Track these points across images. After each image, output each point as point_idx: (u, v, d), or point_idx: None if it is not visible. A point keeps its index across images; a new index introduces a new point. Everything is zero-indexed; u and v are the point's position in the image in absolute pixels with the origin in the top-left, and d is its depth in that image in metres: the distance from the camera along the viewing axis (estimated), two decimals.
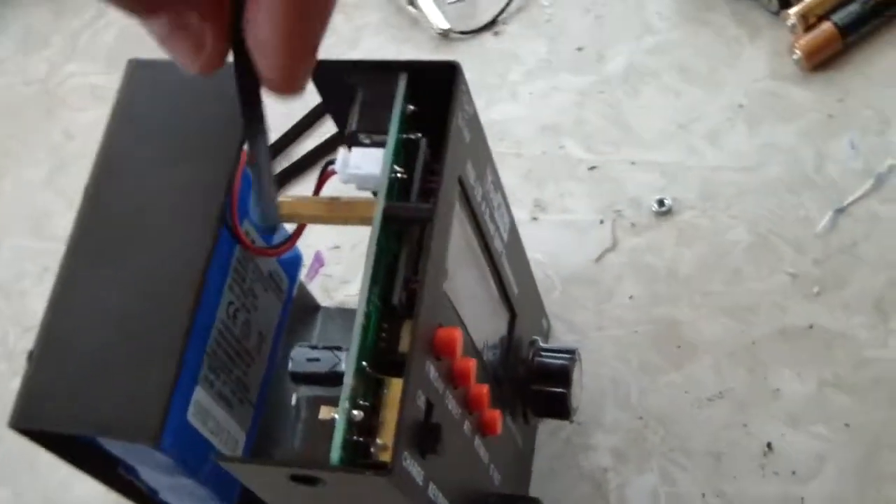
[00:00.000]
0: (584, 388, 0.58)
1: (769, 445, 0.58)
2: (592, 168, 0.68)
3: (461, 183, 0.42)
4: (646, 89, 0.70)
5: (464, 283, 0.44)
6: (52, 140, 0.79)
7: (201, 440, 0.42)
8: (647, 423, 0.60)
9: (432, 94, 0.41)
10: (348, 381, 0.36)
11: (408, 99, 0.41)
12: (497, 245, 0.48)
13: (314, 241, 0.68)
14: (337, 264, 0.69)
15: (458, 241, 0.42)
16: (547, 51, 0.74)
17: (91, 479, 0.64)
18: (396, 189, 0.40)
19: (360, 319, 0.37)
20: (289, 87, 0.37)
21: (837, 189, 0.64)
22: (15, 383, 0.39)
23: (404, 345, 0.38)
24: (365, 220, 0.41)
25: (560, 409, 0.54)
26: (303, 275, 0.65)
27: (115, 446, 0.41)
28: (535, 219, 0.67)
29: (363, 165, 0.41)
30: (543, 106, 0.71)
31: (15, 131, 0.80)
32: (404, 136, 0.41)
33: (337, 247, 0.69)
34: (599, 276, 0.65)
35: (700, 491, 0.57)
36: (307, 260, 0.67)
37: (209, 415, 0.43)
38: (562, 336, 0.63)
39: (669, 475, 0.58)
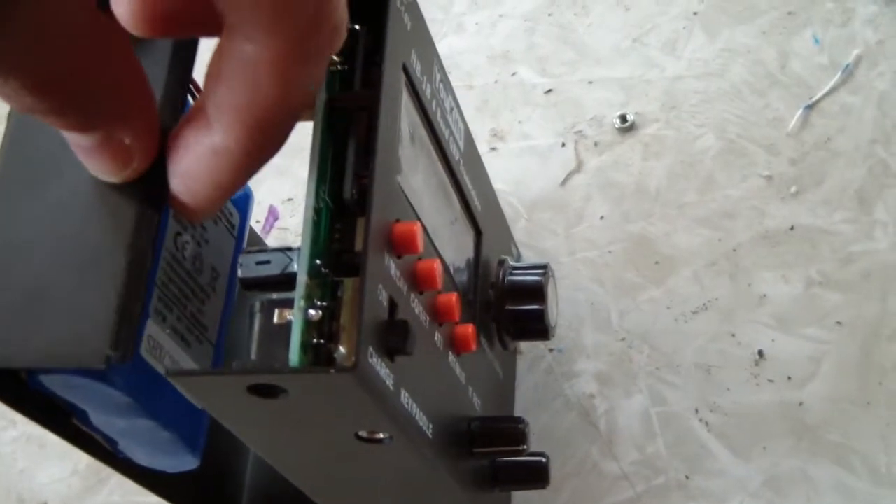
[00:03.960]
0: (562, 315, 0.55)
1: (760, 353, 0.55)
2: (548, 91, 0.65)
3: (406, 72, 0.39)
4: (595, 7, 0.68)
5: (422, 186, 0.41)
6: None
7: (157, 376, 0.39)
8: (631, 344, 0.57)
9: None
10: (302, 278, 0.33)
11: None
12: (453, 151, 0.45)
13: (266, 194, 0.65)
14: (292, 216, 0.65)
15: (409, 137, 0.39)
16: None
17: (54, 466, 0.62)
18: (338, 80, 0.37)
19: (309, 214, 0.34)
20: (198, 219, 0.36)
21: (805, 86, 0.61)
22: None
23: (360, 244, 0.35)
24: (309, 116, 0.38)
25: (538, 327, 0.51)
26: (258, 228, 0.62)
27: (62, 387, 0.38)
28: (493, 149, 0.64)
29: None
30: (491, 35, 0.69)
31: None
32: None
33: (290, 199, 0.66)
34: (566, 199, 0.62)
35: (693, 406, 0.55)
36: (260, 216, 0.64)
37: (163, 350, 0.40)
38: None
39: (659, 394, 0.55)
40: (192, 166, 0.31)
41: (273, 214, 0.65)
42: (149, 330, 0.39)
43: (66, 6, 0.26)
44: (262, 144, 0.31)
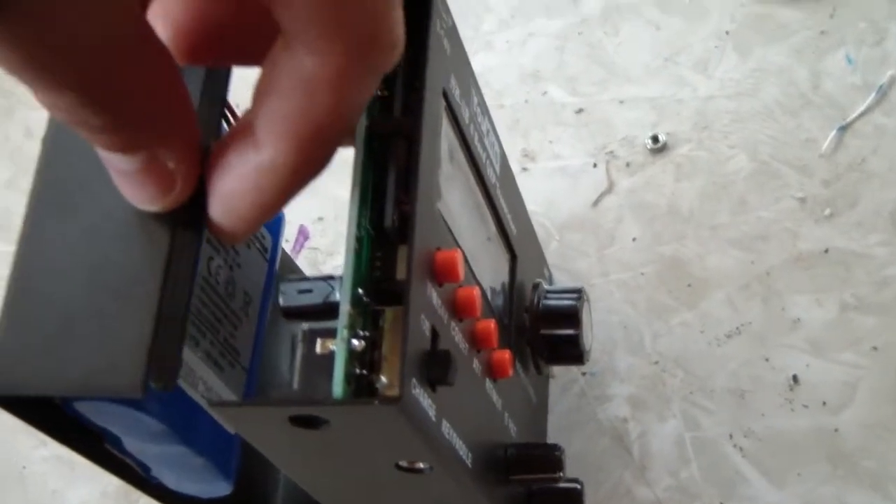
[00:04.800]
0: (595, 338, 0.55)
1: (794, 378, 0.55)
2: (579, 111, 0.65)
3: (446, 97, 0.39)
4: (626, 26, 0.67)
5: (460, 212, 0.41)
6: (13, 141, 0.75)
7: (191, 403, 0.39)
8: (664, 367, 0.56)
9: (407, 16, 0.38)
10: (345, 308, 0.33)
11: None
12: (490, 175, 0.45)
13: (297, 214, 0.65)
14: (322, 236, 0.65)
15: (448, 164, 0.39)
16: None
17: (84, 487, 0.61)
18: (378, 105, 0.37)
19: (351, 244, 0.34)
20: (235, 242, 0.36)
21: (838, 106, 0.61)
22: None
23: (401, 272, 0.35)
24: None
25: (573, 351, 0.50)
26: (289, 248, 0.62)
27: (97, 413, 0.38)
28: (525, 169, 0.64)
29: None
30: (521, 53, 0.68)
31: None
32: None
33: (321, 218, 0.66)
34: (598, 220, 0.61)
35: (727, 432, 0.54)
36: (290, 235, 0.64)
37: (197, 376, 0.40)
38: (565, 285, 0.60)
39: (693, 419, 0.55)
40: (235, 186, 0.31)
41: (303, 234, 0.64)
42: (183, 356, 0.39)
43: (120, 24, 0.26)
44: (310, 162, 0.30)
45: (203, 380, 0.40)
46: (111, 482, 0.60)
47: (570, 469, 0.49)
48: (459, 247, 0.39)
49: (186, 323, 0.35)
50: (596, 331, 0.56)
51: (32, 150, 0.70)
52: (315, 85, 0.28)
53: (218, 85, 0.36)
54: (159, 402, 0.37)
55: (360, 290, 0.34)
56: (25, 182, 0.71)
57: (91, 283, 0.36)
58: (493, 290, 0.46)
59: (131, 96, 0.27)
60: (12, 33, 0.23)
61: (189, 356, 0.39)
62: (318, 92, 0.29)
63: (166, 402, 0.37)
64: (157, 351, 0.33)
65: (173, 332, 0.33)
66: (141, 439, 0.40)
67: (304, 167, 0.30)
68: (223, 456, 0.42)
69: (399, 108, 0.37)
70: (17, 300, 0.36)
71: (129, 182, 0.31)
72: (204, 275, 0.41)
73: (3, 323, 0.35)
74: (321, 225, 0.65)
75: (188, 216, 0.33)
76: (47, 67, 0.25)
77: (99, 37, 0.25)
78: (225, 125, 0.38)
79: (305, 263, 0.63)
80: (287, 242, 0.64)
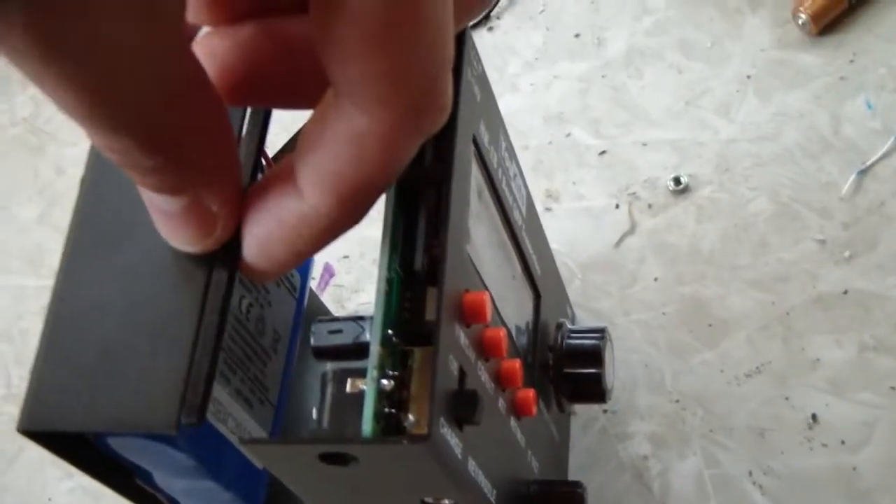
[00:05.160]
0: (616, 376, 0.56)
1: (814, 417, 0.55)
2: (602, 153, 0.66)
3: (475, 143, 0.40)
4: (649, 69, 0.68)
5: (487, 253, 0.42)
6: (43, 177, 0.77)
7: (221, 439, 0.40)
8: (685, 406, 0.57)
9: None
10: (375, 348, 0.34)
11: None
12: (516, 217, 0.46)
13: (322, 252, 0.66)
14: (347, 274, 0.66)
15: (477, 207, 0.40)
16: (544, 40, 0.72)
17: None
18: None
19: (381, 286, 0.35)
20: (266, 281, 0.37)
21: (858, 150, 0.62)
22: None
23: (430, 312, 0.36)
24: None
25: (595, 390, 0.51)
26: (314, 286, 0.63)
27: (128, 449, 0.39)
28: (548, 209, 0.65)
29: None
30: (546, 96, 0.69)
31: (5, 171, 0.78)
32: None
33: (346, 256, 0.67)
34: (621, 260, 0.62)
35: (746, 469, 0.55)
36: (315, 273, 0.65)
37: (227, 413, 0.41)
38: (587, 325, 0.60)
39: (713, 456, 0.56)
40: (273, 231, 0.31)
41: (329, 272, 0.65)
42: (214, 392, 0.40)
43: (173, 65, 0.26)
44: (350, 214, 0.31)
45: (233, 416, 0.41)
46: None
47: None
48: (487, 288, 0.40)
49: (217, 362, 0.36)
50: (617, 369, 0.57)
51: (63, 186, 0.72)
52: (365, 143, 0.29)
53: (258, 127, 0.37)
54: (190, 438, 0.38)
55: (390, 331, 0.35)
56: (56, 218, 0.73)
57: (127, 320, 0.37)
58: (517, 329, 0.47)
59: (183, 138, 0.28)
60: (75, 82, 0.24)
61: (220, 393, 0.40)
62: (368, 149, 0.29)
63: (197, 438, 0.38)
64: (190, 388, 0.34)
65: (205, 370, 0.34)
66: (171, 474, 0.41)
67: (344, 219, 0.31)
68: (250, 490, 0.43)
69: (430, 154, 0.38)
70: (55, 337, 0.37)
71: (170, 223, 0.32)
72: (235, 313, 0.42)
73: (40, 359, 0.36)
74: (346, 263, 0.67)
75: (223, 255, 0.34)
76: (104, 111, 0.25)
77: (154, 80, 0.25)
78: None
79: (330, 300, 0.64)
80: (313, 280, 0.65)
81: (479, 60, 0.40)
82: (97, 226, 0.39)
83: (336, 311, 0.61)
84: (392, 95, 0.28)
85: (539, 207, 0.64)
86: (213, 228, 0.31)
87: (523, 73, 0.71)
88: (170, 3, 0.25)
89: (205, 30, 0.33)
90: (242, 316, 0.43)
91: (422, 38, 0.27)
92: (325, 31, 0.27)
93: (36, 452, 0.37)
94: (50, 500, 0.64)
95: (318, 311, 0.57)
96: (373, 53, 0.26)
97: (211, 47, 0.32)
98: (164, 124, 0.27)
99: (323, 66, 0.28)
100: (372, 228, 0.36)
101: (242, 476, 0.41)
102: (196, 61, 0.28)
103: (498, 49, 0.72)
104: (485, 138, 0.41)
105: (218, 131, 0.30)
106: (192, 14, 0.32)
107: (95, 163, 0.41)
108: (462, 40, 0.38)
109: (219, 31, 0.33)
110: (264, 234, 0.32)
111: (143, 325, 0.36)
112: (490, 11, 0.73)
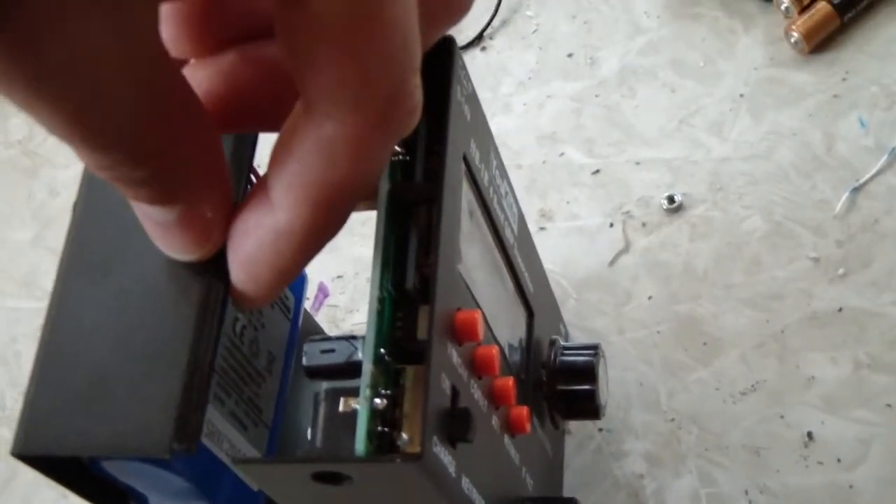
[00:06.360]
0: (611, 395, 0.56)
1: (809, 435, 0.55)
2: (596, 172, 0.66)
3: (466, 161, 0.40)
4: (642, 89, 0.69)
5: (479, 272, 0.42)
6: (37, 199, 0.77)
7: (216, 461, 0.40)
8: (680, 424, 0.57)
9: (428, 84, 0.39)
10: (367, 367, 0.34)
11: None
12: (508, 235, 0.46)
13: (316, 272, 0.66)
14: (341, 293, 0.66)
15: (468, 225, 0.40)
16: (537, 60, 0.72)
17: None
18: (400, 170, 0.38)
19: (373, 305, 0.35)
20: (257, 307, 0.37)
21: (851, 168, 0.62)
22: None
23: (422, 331, 0.36)
24: (371, 206, 0.38)
25: (589, 406, 0.51)
26: (308, 306, 0.63)
27: (123, 472, 0.39)
28: (542, 229, 0.65)
29: None
30: (539, 115, 0.70)
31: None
32: None
33: (340, 276, 0.67)
34: (615, 279, 0.62)
35: (742, 488, 0.55)
36: (310, 293, 0.65)
37: (222, 435, 0.41)
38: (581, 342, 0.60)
39: (708, 475, 0.56)
40: (253, 251, 0.31)
41: (323, 291, 0.65)
42: (208, 415, 0.40)
43: (159, 79, 0.27)
44: (326, 224, 0.31)
45: (227, 438, 0.41)
46: None
47: None
48: (479, 306, 0.40)
49: (210, 386, 0.36)
50: (612, 388, 0.57)
51: (57, 208, 0.72)
52: (335, 149, 0.29)
53: (244, 148, 0.37)
54: (185, 460, 0.37)
55: (383, 350, 0.35)
56: (50, 240, 0.73)
57: (120, 345, 0.37)
58: (510, 346, 0.47)
59: (170, 149, 0.28)
60: (58, 98, 0.24)
61: (214, 415, 0.40)
62: (337, 156, 0.29)
63: (192, 460, 0.38)
64: (183, 413, 0.34)
65: (198, 395, 0.34)
66: (166, 496, 0.41)
67: (321, 230, 0.31)
68: None
69: (420, 173, 0.38)
70: (49, 361, 0.37)
71: (166, 233, 0.32)
72: (229, 335, 0.42)
73: (33, 383, 0.36)
74: (340, 283, 0.67)
75: (215, 279, 0.34)
76: (91, 129, 0.25)
77: (136, 90, 0.25)
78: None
79: (325, 320, 0.64)
80: (307, 300, 0.65)
81: (468, 80, 0.40)
82: (90, 250, 0.39)
83: (331, 332, 0.61)
84: (360, 100, 0.28)
85: (533, 227, 0.64)
86: (209, 236, 0.31)
87: (516, 92, 0.71)
88: (137, 3, 0.25)
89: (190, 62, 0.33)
90: (236, 338, 0.43)
91: (386, 41, 0.27)
92: (291, 41, 0.27)
93: (31, 475, 0.36)
94: None
95: (313, 332, 0.57)
96: (338, 59, 0.27)
97: (194, 78, 0.32)
98: (151, 136, 0.27)
99: (295, 80, 0.28)
100: (366, 247, 0.36)
101: (237, 498, 0.41)
102: (178, 72, 0.28)
103: (491, 69, 0.72)
104: (475, 157, 0.41)
105: (205, 140, 0.30)
106: (175, 47, 0.32)
107: (88, 187, 0.41)
108: (451, 59, 0.39)
109: (201, 62, 0.33)
110: (245, 255, 0.32)
111: (137, 349, 0.36)
112: (483, 32, 0.73)
